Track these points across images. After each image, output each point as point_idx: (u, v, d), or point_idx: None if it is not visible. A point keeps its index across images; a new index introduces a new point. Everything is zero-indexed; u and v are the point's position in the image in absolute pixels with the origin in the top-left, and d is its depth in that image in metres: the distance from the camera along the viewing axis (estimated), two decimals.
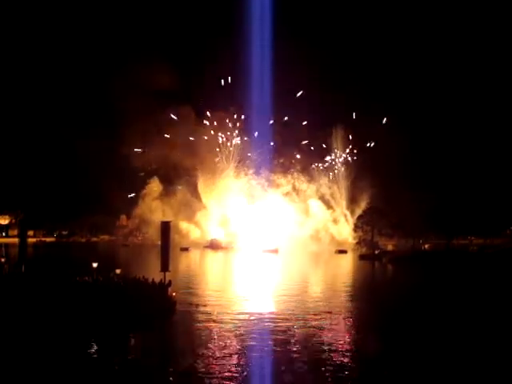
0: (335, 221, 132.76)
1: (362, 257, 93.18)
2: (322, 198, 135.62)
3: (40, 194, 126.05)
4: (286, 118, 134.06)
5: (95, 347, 25.22)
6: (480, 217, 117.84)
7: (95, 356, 23.99)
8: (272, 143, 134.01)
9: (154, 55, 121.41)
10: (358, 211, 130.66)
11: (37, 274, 38.08)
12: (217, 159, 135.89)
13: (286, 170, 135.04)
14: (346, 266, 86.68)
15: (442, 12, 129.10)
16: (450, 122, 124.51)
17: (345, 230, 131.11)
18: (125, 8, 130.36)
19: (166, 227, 36.84)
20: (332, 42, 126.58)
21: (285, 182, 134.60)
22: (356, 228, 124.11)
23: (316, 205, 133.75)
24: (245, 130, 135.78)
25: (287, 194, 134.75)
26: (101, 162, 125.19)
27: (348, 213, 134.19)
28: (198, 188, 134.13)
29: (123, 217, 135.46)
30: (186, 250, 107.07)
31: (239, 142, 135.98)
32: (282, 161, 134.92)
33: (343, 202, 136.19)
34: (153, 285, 34.39)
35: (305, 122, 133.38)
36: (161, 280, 34.35)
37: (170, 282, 34.69)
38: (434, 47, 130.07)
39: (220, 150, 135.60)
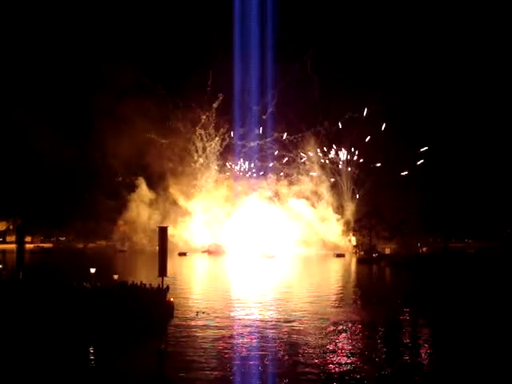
0: (322, 219, 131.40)
1: (360, 261, 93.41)
2: (306, 199, 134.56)
3: (36, 200, 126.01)
4: (270, 109, 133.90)
5: (93, 353, 25.23)
6: (477, 220, 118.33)
7: (93, 363, 23.98)
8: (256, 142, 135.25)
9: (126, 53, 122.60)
10: (347, 212, 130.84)
11: (35, 280, 38.04)
12: (195, 163, 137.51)
13: (265, 173, 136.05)
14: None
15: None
16: (447, 124, 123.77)
17: (333, 231, 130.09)
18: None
19: (163, 232, 36.77)
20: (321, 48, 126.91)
21: (265, 185, 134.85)
22: (354, 231, 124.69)
23: (299, 204, 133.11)
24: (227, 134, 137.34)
25: (269, 198, 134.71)
26: (86, 169, 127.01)
27: (331, 211, 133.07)
28: (177, 193, 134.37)
29: (120, 222, 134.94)
30: (183, 254, 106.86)
31: (218, 146, 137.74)
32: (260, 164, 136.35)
33: (325, 204, 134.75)
34: (150, 290, 34.42)
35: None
36: (158, 285, 34.37)
37: (167, 287, 34.72)
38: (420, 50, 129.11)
39: (198, 154, 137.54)
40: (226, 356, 24.49)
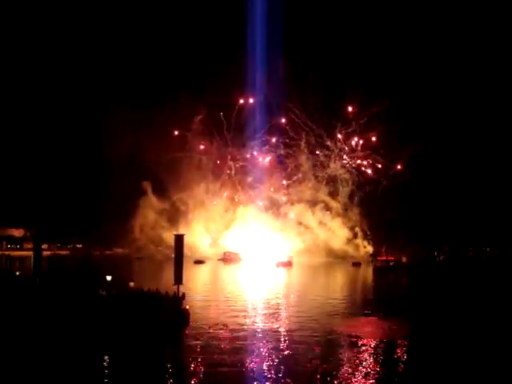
0: (321, 224, 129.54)
1: (377, 269, 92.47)
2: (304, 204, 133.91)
3: (53, 207, 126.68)
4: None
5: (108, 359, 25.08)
6: (496, 228, 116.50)
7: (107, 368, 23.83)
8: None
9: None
10: (352, 218, 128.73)
11: (51, 287, 38.06)
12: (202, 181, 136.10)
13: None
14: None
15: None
16: (463, 130, 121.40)
17: (337, 238, 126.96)
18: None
19: (179, 240, 36.63)
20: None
21: (264, 194, 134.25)
22: (368, 240, 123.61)
23: (297, 210, 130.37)
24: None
25: (267, 207, 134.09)
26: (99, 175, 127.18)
27: (329, 216, 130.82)
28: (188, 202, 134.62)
29: (136, 230, 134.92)
30: (201, 262, 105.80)
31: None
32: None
33: (324, 210, 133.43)
34: (166, 297, 34.18)
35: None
36: (174, 293, 34.12)
37: (183, 294, 34.48)
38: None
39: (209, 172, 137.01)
40: None
